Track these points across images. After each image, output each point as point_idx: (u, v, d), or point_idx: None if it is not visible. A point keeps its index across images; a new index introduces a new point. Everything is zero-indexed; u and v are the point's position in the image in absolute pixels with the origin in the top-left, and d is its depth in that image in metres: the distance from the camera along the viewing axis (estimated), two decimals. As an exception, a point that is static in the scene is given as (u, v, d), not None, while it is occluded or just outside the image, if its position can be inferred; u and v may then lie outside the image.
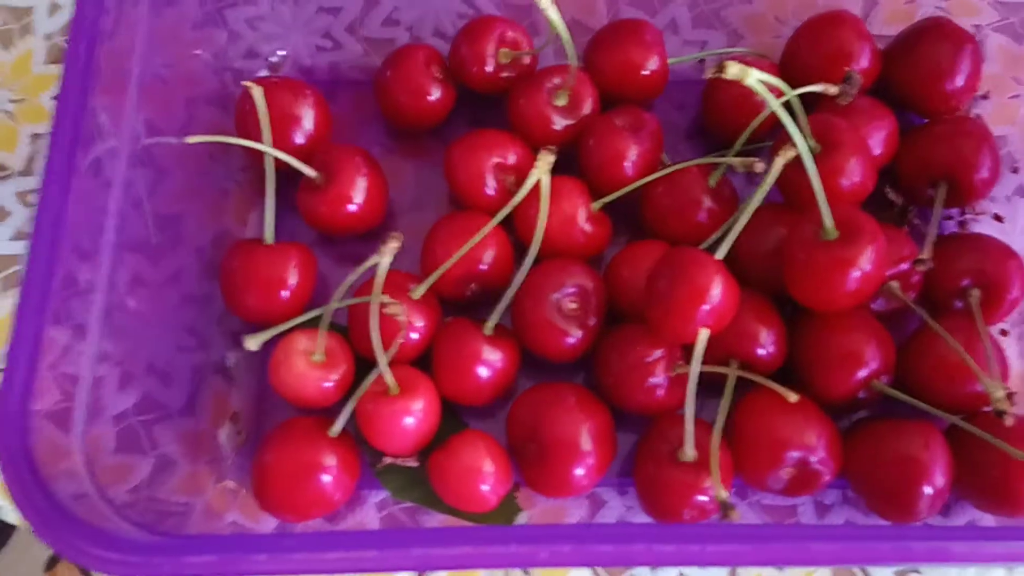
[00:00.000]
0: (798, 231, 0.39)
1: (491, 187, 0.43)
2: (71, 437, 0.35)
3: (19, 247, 0.48)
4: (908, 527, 0.39)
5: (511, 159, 0.44)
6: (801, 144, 0.36)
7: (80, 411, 0.35)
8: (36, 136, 0.50)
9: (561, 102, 0.44)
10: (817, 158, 0.39)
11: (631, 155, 0.43)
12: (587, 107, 0.45)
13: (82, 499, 0.34)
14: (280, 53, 0.50)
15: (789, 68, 0.47)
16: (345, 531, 0.40)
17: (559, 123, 0.45)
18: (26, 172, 0.50)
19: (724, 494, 0.35)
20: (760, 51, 0.50)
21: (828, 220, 0.37)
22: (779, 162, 0.37)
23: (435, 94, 0.45)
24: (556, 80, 0.44)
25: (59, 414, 0.35)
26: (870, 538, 0.33)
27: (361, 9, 0.49)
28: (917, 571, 0.42)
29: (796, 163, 0.37)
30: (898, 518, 0.39)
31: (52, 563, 0.82)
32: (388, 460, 0.40)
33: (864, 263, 0.37)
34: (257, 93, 0.41)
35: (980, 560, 0.35)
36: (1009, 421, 0.36)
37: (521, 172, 0.44)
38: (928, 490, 0.38)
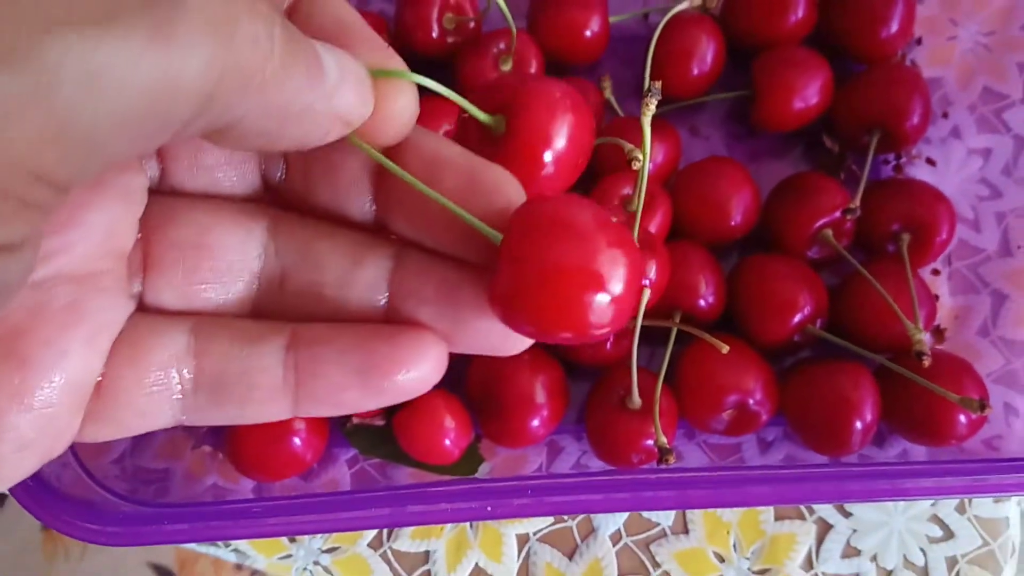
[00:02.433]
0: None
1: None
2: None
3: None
4: (839, 469, 0.42)
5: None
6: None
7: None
8: None
9: (506, 67, 0.45)
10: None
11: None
12: (532, 70, 0.46)
13: (66, 470, 0.36)
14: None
15: (730, 17, 0.48)
16: (317, 493, 0.43)
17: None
18: None
19: (663, 440, 0.38)
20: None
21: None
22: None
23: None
24: (501, 45, 0.45)
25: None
26: (807, 479, 0.36)
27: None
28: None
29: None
30: (833, 452, 0.42)
31: None
32: (356, 421, 0.43)
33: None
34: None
35: (907, 496, 0.38)
36: (927, 362, 0.38)
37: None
38: (858, 425, 0.41)
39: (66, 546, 0.76)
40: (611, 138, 0.43)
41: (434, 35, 0.46)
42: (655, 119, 0.44)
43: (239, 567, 0.72)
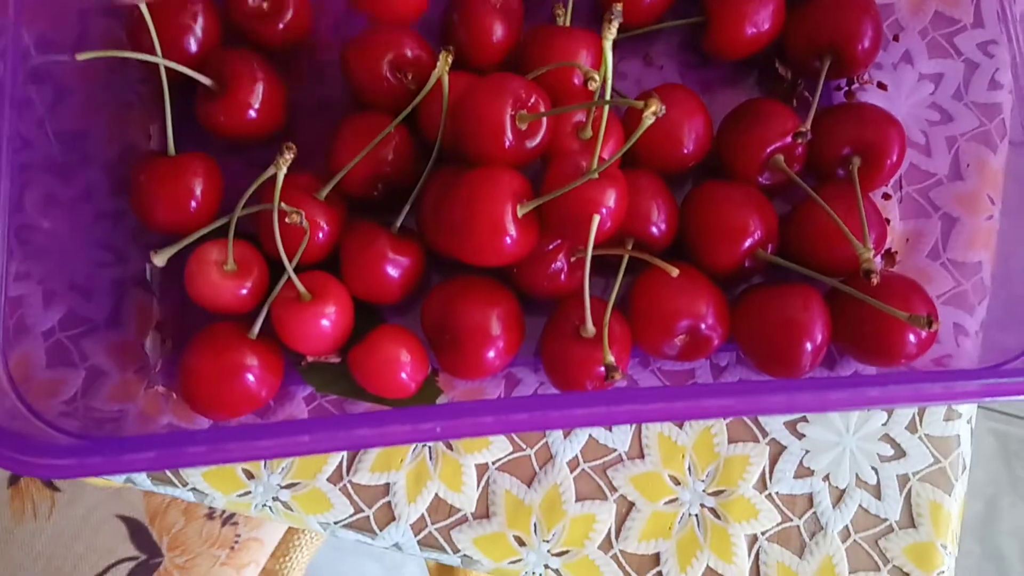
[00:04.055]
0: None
1: (391, 84, 0.44)
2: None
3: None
4: (794, 381, 0.43)
5: (409, 54, 0.44)
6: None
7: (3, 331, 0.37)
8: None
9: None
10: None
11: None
12: None
13: (14, 414, 0.36)
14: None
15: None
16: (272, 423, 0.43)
17: None
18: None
19: (610, 358, 0.38)
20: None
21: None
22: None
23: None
24: None
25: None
26: (753, 392, 0.37)
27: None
28: (804, 419, 0.46)
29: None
30: (784, 374, 0.43)
31: (15, 477, 0.83)
32: (310, 359, 0.43)
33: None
34: (143, 6, 0.40)
35: (857, 405, 0.39)
36: (875, 280, 0.39)
37: (420, 68, 0.44)
38: (808, 346, 0.41)
39: (35, 503, 0.76)
40: (566, 62, 0.43)
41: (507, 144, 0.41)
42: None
43: (211, 515, 0.72)
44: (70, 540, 0.72)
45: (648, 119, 0.35)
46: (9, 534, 0.74)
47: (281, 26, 0.45)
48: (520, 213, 0.37)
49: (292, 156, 0.38)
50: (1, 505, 0.77)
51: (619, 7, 0.37)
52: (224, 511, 0.73)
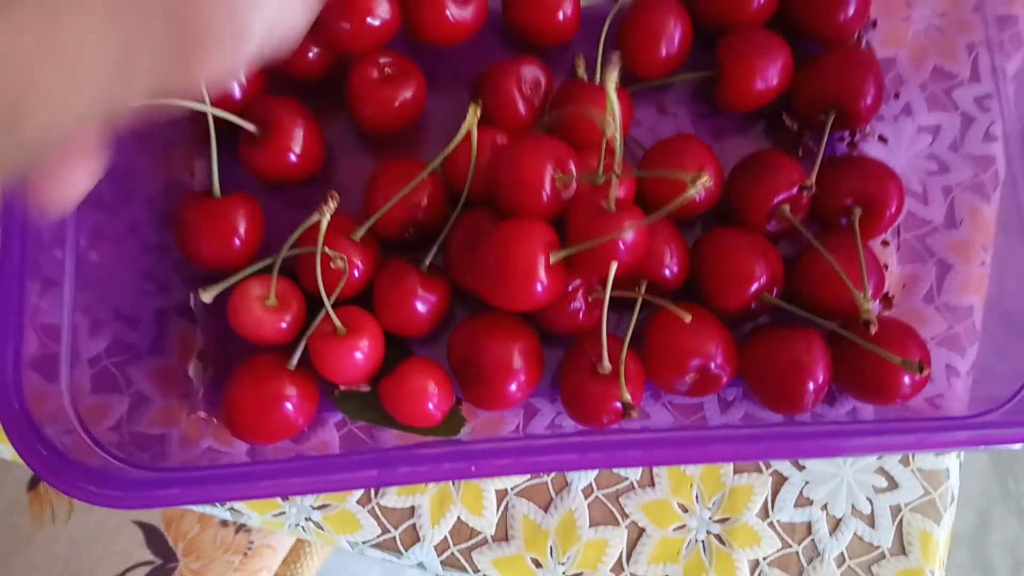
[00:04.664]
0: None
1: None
2: (56, 382, 0.39)
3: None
4: (801, 430, 0.45)
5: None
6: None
7: (64, 357, 0.39)
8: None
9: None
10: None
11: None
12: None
13: (70, 435, 0.39)
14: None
15: (696, 3, 0.50)
16: (310, 456, 0.46)
17: (455, 13, 0.47)
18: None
19: (627, 397, 0.41)
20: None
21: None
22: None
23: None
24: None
25: (41, 361, 0.39)
26: (764, 439, 0.40)
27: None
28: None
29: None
30: (787, 410, 0.46)
31: (35, 481, 0.85)
32: (343, 388, 0.45)
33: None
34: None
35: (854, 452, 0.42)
36: (873, 330, 0.42)
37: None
38: (811, 385, 0.44)
39: (53, 508, 0.77)
40: (581, 108, 0.46)
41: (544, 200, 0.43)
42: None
43: (224, 522, 0.75)
44: (88, 544, 0.74)
45: (693, 191, 0.38)
46: (29, 537, 0.75)
47: (311, 55, 0.48)
48: (552, 261, 0.40)
49: (335, 204, 0.40)
50: (21, 508, 0.78)
51: (616, 55, 0.40)
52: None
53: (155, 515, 0.76)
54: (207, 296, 0.43)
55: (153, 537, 0.76)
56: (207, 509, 0.48)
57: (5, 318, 0.36)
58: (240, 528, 0.75)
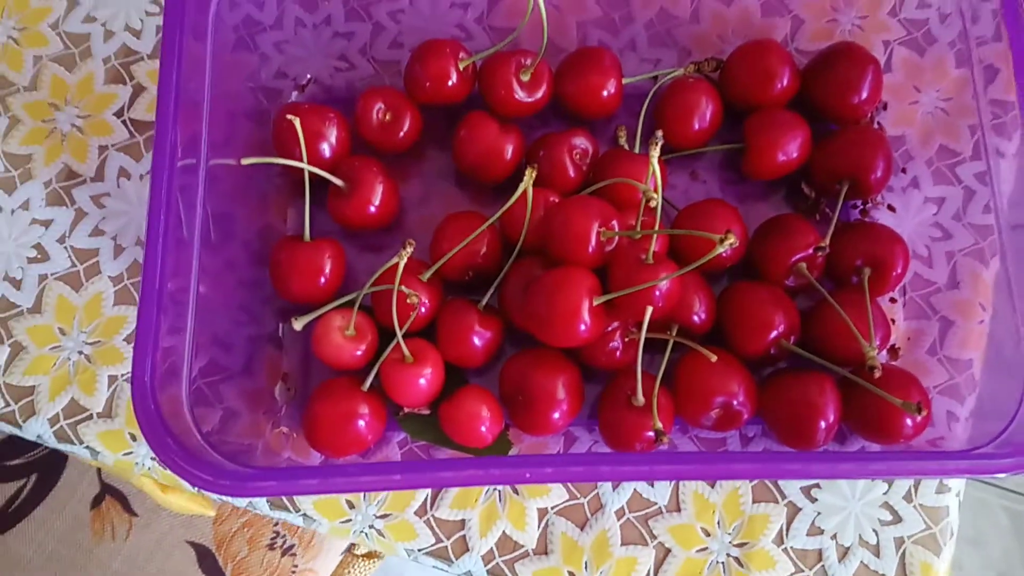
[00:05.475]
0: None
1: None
2: (179, 394, 0.45)
3: (96, 242, 0.59)
4: (808, 453, 0.51)
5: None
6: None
7: (184, 374, 0.46)
8: (103, 147, 0.60)
9: (525, 77, 0.54)
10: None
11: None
12: (542, 90, 0.55)
13: (188, 436, 0.45)
14: (307, 76, 0.60)
15: (727, 84, 0.58)
16: (376, 462, 0.52)
17: (521, 96, 0.55)
18: (97, 178, 0.60)
19: (659, 425, 0.47)
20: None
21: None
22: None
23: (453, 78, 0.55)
24: (526, 61, 0.55)
25: (163, 377, 0.45)
26: (778, 460, 0.45)
27: (370, 34, 0.59)
28: (817, 485, 0.55)
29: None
30: (802, 447, 0.51)
31: (97, 500, 0.90)
32: (407, 410, 0.52)
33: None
34: (296, 121, 0.51)
35: (861, 476, 0.47)
36: (878, 375, 0.47)
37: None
38: (823, 424, 0.49)
39: (114, 526, 0.82)
40: (626, 179, 0.53)
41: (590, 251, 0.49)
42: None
43: (271, 545, 0.80)
44: (143, 562, 0.79)
45: (721, 248, 0.44)
46: (89, 552, 0.80)
47: (401, 135, 0.55)
48: (595, 304, 0.47)
49: (412, 249, 0.47)
50: (83, 525, 0.82)
51: (660, 133, 0.47)
52: (285, 543, 0.81)
53: (208, 536, 0.80)
54: (298, 325, 0.50)
55: (205, 557, 0.80)
56: (287, 516, 0.54)
57: (144, 336, 0.43)
58: (286, 552, 0.80)
